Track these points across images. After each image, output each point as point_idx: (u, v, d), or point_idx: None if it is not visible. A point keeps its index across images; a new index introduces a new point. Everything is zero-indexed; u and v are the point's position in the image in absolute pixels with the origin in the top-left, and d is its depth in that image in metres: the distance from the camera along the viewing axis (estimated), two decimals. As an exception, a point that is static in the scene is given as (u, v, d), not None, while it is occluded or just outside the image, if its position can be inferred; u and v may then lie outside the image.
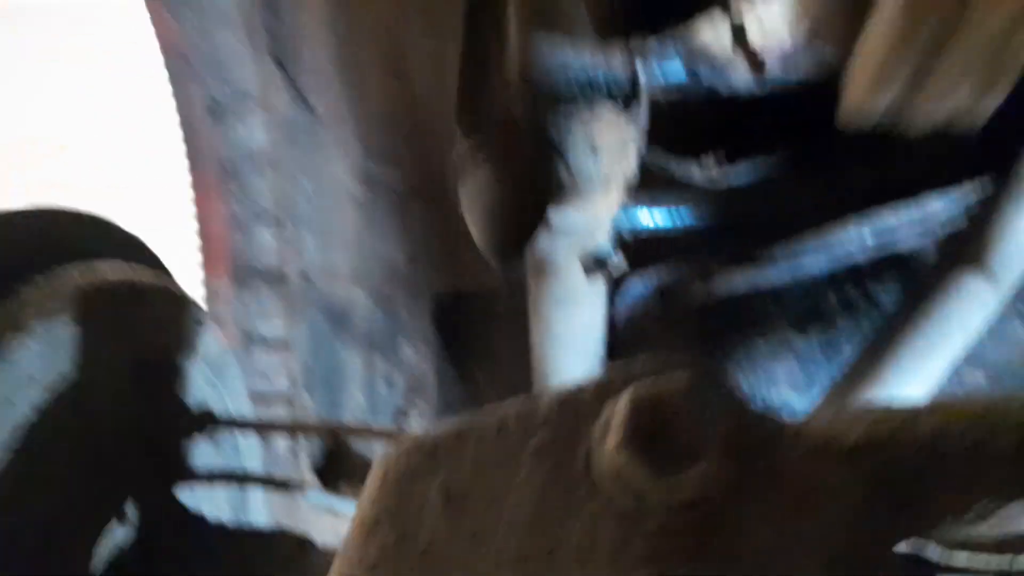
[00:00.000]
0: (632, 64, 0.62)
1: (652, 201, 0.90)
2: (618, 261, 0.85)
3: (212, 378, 0.70)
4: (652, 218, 0.91)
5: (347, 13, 1.18)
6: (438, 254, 1.35)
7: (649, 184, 0.91)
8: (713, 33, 0.69)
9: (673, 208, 0.90)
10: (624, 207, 0.90)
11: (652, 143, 0.91)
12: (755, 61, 0.63)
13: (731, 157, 0.89)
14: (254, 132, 1.25)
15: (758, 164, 0.87)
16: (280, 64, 1.23)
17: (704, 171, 0.87)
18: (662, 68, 0.89)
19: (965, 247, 0.69)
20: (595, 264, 0.83)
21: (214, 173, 1.24)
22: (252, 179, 1.28)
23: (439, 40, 1.16)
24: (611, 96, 0.61)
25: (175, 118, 1.20)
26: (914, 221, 0.85)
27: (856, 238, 0.87)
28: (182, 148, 1.21)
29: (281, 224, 1.32)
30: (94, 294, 0.56)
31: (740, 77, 0.84)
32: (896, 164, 0.87)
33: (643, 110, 0.70)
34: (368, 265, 1.37)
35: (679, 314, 0.96)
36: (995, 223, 0.67)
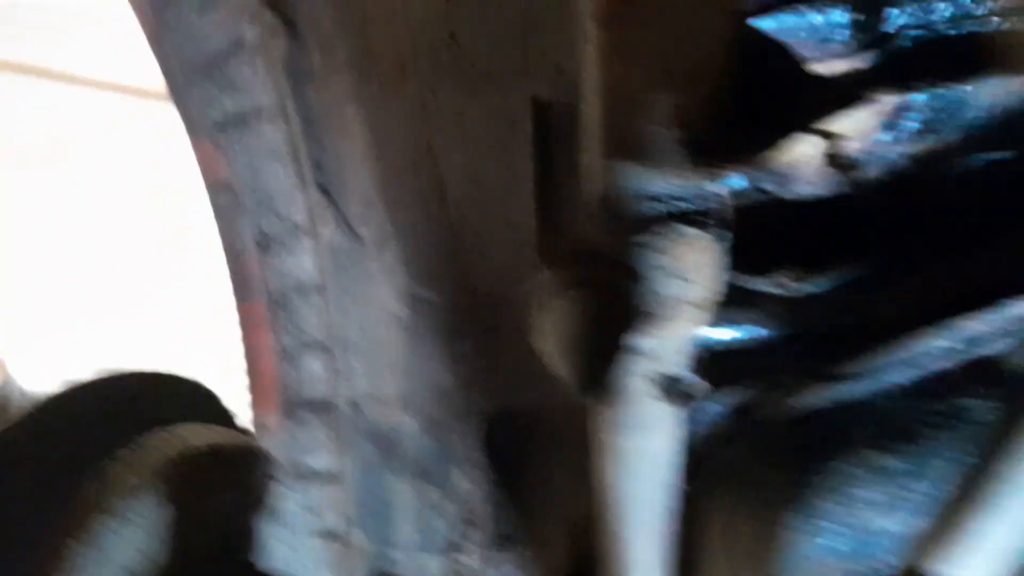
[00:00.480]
0: (719, 190, 0.60)
1: (726, 317, 0.87)
2: (694, 384, 0.81)
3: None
4: (726, 334, 0.87)
5: (388, 138, 1.19)
6: (488, 375, 1.31)
7: (722, 300, 0.88)
8: (800, 150, 0.68)
9: (747, 323, 0.87)
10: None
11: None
12: (845, 166, 0.61)
13: (803, 267, 0.86)
14: (302, 262, 1.25)
15: (832, 273, 0.84)
16: (327, 193, 1.24)
17: (776, 283, 0.84)
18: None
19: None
20: (670, 388, 0.79)
21: (263, 305, 1.23)
22: (301, 309, 1.26)
23: (478, 160, 1.16)
24: (696, 223, 0.59)
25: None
26: (1000, 325, 0.81)
27: (940, 348, 0.83)
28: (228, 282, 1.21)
29: (330, 353, 1.30)
30: (179, 465, 0.53)
31: (804, 183, 0.83)
32: (978, 265, 0.84)
33: (726, 230, 0.68)
34: (417, 389, 1.34)
35: (758, 434, 0.91)
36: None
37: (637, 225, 0.58)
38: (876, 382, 0.86)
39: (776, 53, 0.58)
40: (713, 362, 0.90)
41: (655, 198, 0.57)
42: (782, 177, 0.83)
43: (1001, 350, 0.82)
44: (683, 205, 0.59)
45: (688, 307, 0.65)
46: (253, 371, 1.23)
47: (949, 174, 0.86)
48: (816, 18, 0.72)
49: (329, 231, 1.24)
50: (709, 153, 0.53)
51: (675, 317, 0.66)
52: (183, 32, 1.05)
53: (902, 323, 0.83)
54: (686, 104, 0.50)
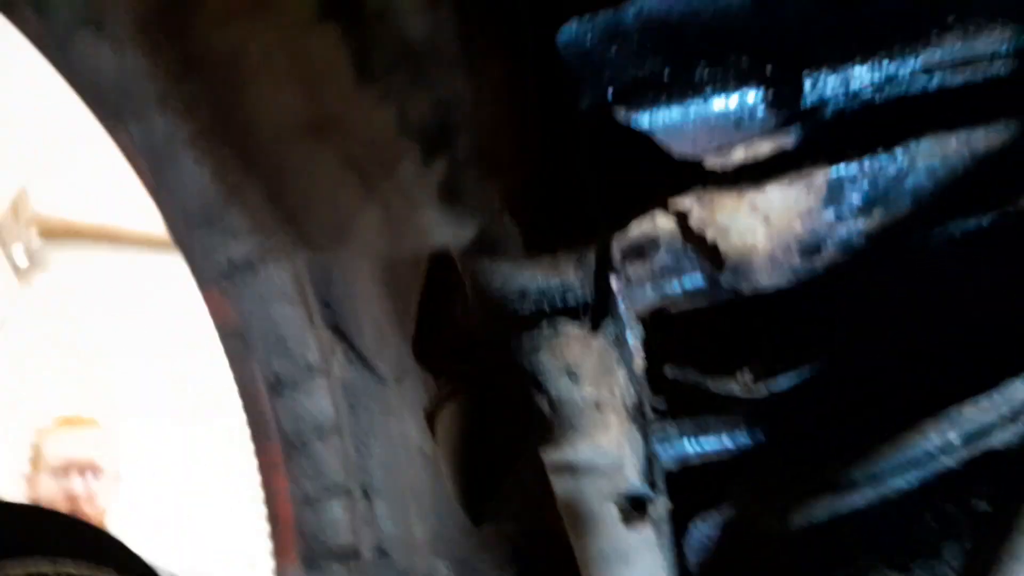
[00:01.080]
0: (594, 278, 0.57)
1: (696, 426, 0.81)
2: (661, 501, 0.75)
3: None
4: (699, 445, 0.81)
5: (398, 271, 1.20)
6: (517, 505, 1.26)
7: (689, 407, 0.82)
8: (652, 225, 0.64)
9: (721, 431, 0.80)
10: (661, 437, 0.81)
11: (685, 361, 0.83)
12: (715, 259, 0.57)
13: (774, 364, 0.79)
14: (319, 402, 1.25)
15: (800, 367, 0.77)
16: (339, 332, 1.25)
17: (743, 382, 0.78)
18: (680, 279, 0.83)
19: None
20: (633, 508, 0.73)
21: (279, 449, 1.23)
22: (319, 452, 1.26)
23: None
24: (571, 315, 0.55)
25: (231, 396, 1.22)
26: (1002, 411, 0.71)
27: (941, 443, 0.73)
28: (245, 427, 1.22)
29: (352, 496, 1.28)
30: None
31: (761, 274, 0.78)
32: (966, 348, 0.75)
33: (625, 325, 0.64)
34: (446, 529, 1.29)
35: (755, 555, 0.82)
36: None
37: (518, 323, 0.55)
38: (877, 489, 0.76)
39: (634, 138, 0.55)
40: (691, 477, 0.83)
41: (526, 293, 0.54)
42: (739, 270, 0.79)
43: (1008, 440, 0.72)
44: (556, 298, 0.55)
45: (596, 410, 0.60)
46: (272, 518, 1.22)
47: (918, 248, 0.79)
48: (726, 100, 0.69)
49: (342, 369, 1.25)
50: (549, 242, 0.50)
51: (587, 423, 0.61)
52: (182, 185, 1.12)
53: (890, 421, 0.75)
54: (518, 197, 0.48)
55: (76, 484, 2.99)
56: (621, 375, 0.60)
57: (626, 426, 0.64)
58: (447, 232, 0.16)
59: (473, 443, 0.57)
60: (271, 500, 1.23)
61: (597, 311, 0.56)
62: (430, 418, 0.60)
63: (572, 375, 0.58)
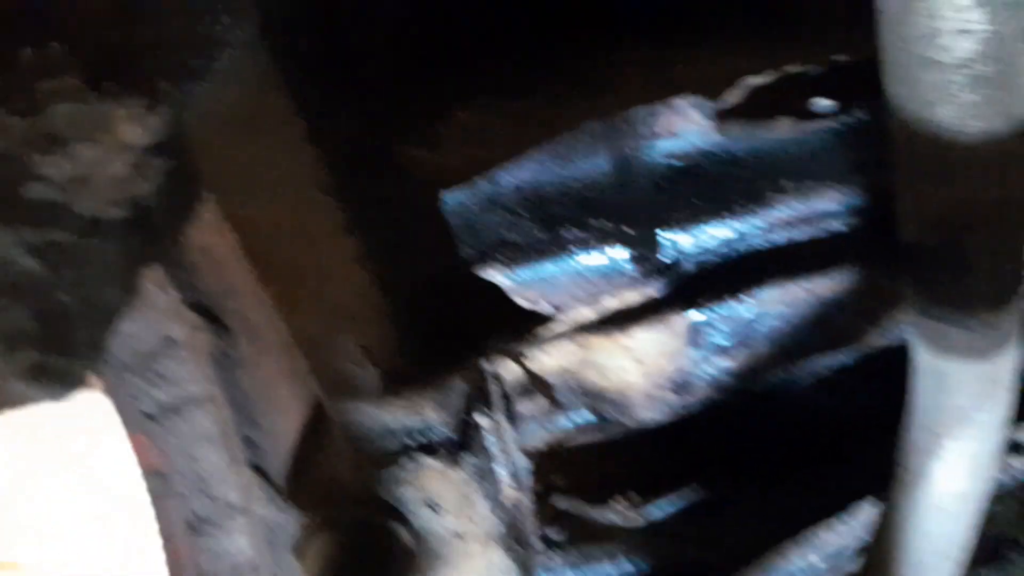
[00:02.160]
0: (457, 417, 0.62)
1: (581, 555, 0.85)
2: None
3: None
4: (583, 574, 0.85)
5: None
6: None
7: (572, 539, 0.86)
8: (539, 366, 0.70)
9: (603, 559, 0.84)
10: (547, 567, 0.85)
11: (572, 492, 0.88)
12: (547, 391, 0.63)
13: (649, 493, 0.85)
14: (237, 542, 1.26)
15: (674, 495, 0.83)
16: (260, 471, 1.28)
17: (621, 511, 0.83)
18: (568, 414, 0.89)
19: (874, 562, 0.61)
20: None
21: (198, 590, 1.23)
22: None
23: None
24: (432, 451, 0.61)
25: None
26: (856, 534, 0.77)
27: (804, 565, 0.78)
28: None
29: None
30: None
31: (641, 409, 0.84)
32: (825, 475, 0.82)
33: (491, 459, 0.69)
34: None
35: None
36: (895, 526, 0.60)
37: (380, 459, 0.60)
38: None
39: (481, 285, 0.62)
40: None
41: (386, 432, 0.59)
42: (620, 405, 0.85)
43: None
44: (415, 435, 0.61)
45: (460, 541, 0.65)
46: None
47: (785, 384, 0.87)
48: (595, 257, 0.78)
49: (264, 508, 1.27)
50: (406, 385, 0.56)
51: (452, 554, 0.65)
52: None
53: (758, 544, 0.80)
54: (374, 343, 0.54)
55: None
56: (482, 506, 0.64)
57: (493, 556, 0.68)
58: (39, 396, 0.21)
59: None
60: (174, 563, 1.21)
61: (457, 447, 0.61)
62: (299, 554, 0.64)
63: (433, 507, 0.62)
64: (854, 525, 0.77)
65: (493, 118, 0.52)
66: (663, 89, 0.56)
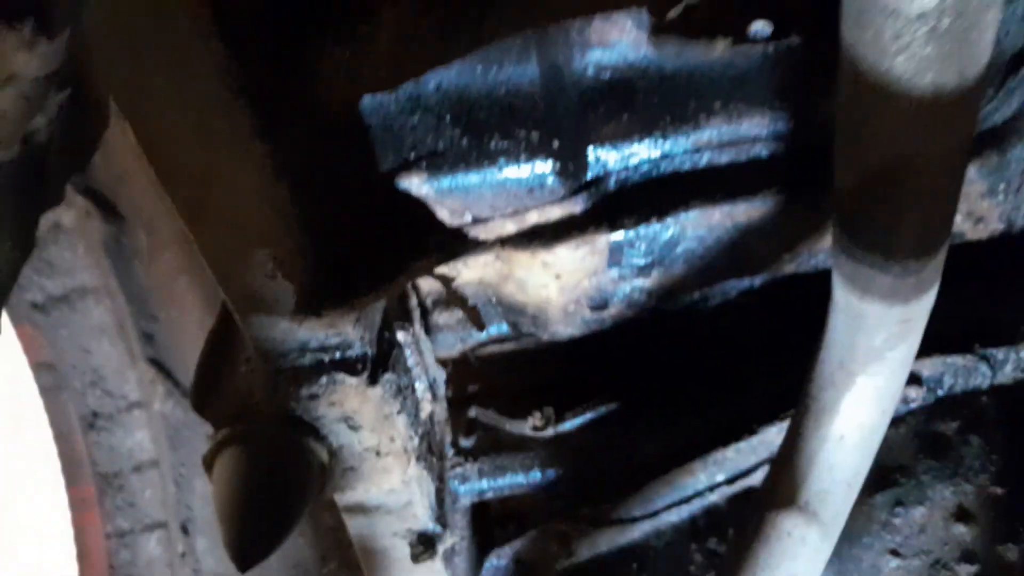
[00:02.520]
0: (376, 333, 0.61)
1: (494, 465, 0.86)
2: (450, 538, 0.79)
3: None
4: (495, 483, 0.86)
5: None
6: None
7: (485, 447, 0.87)
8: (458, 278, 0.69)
9: (516, 470, 0.85)
10: (460, 475, 0.86)
11: (487, 404, 0.89)
12: (476, 319, 0.62)
13: (565, 406, 0.86)
14: (136, 437, 1.23)
15: (586, 410, 0.84)
16: (159, 366, 1.24)
17: (532, 425, 0.83)
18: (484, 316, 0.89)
19: (777, 487, 0.63)
20: (422, 544, 0.76)
21: (92, 487, 1.20)
22: (136, 487, 1.24)
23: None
24: (349, 368, 0.59)
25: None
26: (759, 453, 0.80)
27: (707, 481, 0.81)
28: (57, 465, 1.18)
29: (169, 531, 1.26)
30: None
31: (558, 324, 0.84)
32: (731, 393, 0.84)
33: (412, 375, 0.68)
34: (274, 569, 1.29)
35: (547, 586, 0.88)
36: (800, 455, 0.62)
37: (296, 376, 0.58)
38: (653, 523, 0.83)
39: (404, 203, 0.60)
40: (491, 511, 0.88)
41: (302, 348, 0.58)
42: (537, 319, 0.85)
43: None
44: (335, 353, 0.59)
45: (378, 457, 0.64)
46: (81, 555, 1.19)
47: (696, 304, 0.88)
48: (519, 170, 0.75)
49: (163, 403, 1.24)
50: (317, 300, 0.54)
51: (371, 470, 0.64)
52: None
53: (666, 459, 0.82)
54: (287, 256, 0.52)
55: None
56: (401, 423, 0.63)
57: (411, 469, 0.68)
58: None
59: (247, 493, 0.59)
60: (81, 537, 1.19)
61: (376, 365, 0.60)
62: (207, 465, 0.62)
63: (351, 424, 0.61)
64: (758, 446, 0.79)
65: (422, 19, 0.48)
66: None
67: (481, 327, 0.64)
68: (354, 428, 0.61)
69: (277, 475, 0.59)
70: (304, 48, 0.49)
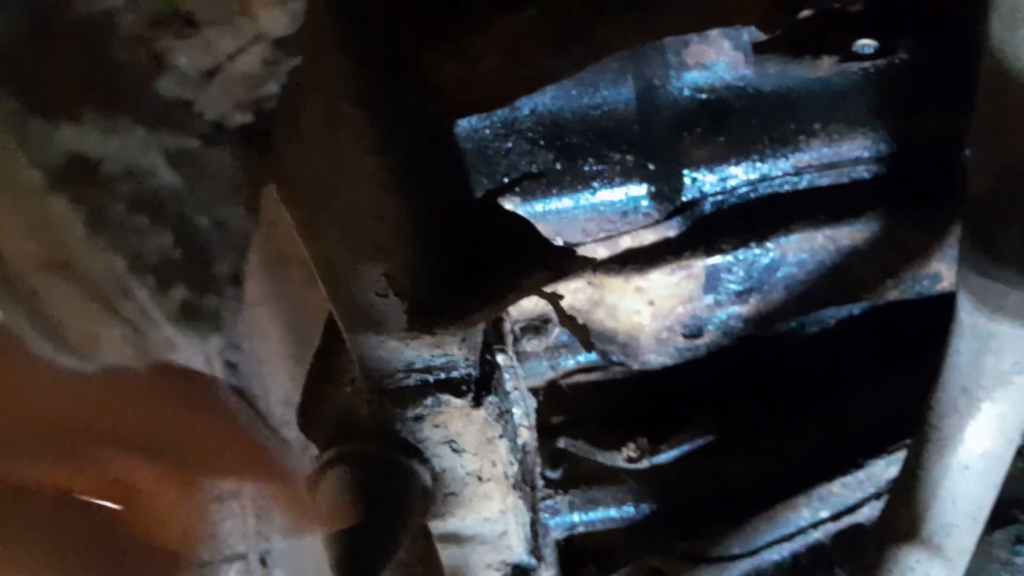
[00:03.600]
0: (479, 355, 0.60)
1: (585, 497, 0.83)
2: (546, 571, 0.77)
3: None
4: (587, 516, 0.83)
5: (306, 337, 1.21)
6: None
7: (572, 479, 0.85)
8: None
9: (609, 503, 0.83)
10: (551, 507, 0.84)
11: (577, 434, 0.87)
12: (586, 340, 0.60)
13: (659, 437, 0.83)
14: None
15: (682, 441, 0.81)
16: (242, 395, 1.25)
17: (628, 455, 0.81)
18: (575, 354, 0.87)
19: (897, 520, 0.60)
20: (517, 579, 0.75)
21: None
22: (216, 519, 1.24)
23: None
24: (454, 390, 0.58)
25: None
26: (867, 489, 0.76)
27: (810, 517, 0.78)
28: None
29: (249, 564, 1.26)
30: None
31: (650, 353, 0.82)
32: (832, 424, 0.81)
33: (510, 400, 0.67)
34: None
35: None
36: (921, 487, 0.59)
37: (401, 397, 0.57)
38: (753, 562, 0.80)
39: (510, 222, 0.59)
40: (575, 547, 0.85)
41: (408, 368, 0.57)
42: (627, 347, 0.83)
43: (872, 516, 0.76)
44: (440, 374, 0.58)
45: (480, 483, 0.63)
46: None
47: (793, 333, 0.85)
48: (613, 194, 0.74)
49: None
50: (428, 318, 0.53)
51: (471, 496, 0.63)
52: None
53: (766, 494, 0.79)
54: (399, 273, 0.51)
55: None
56: (503, 447, 0.62)
57: (509, 497, 0.66)
58: (187, 345, 0.18)
59: (355, 513, 0.58)
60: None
61: (480, 387, 0.59)
62: (312, 485, 0.62)
63: (454, 447, 0.60)
64: (864, 481, 0.76)
65: (534, 35, 0.48)
66: (710, 14, 0.52)
67: (590, 347, 0.62)
68: (457, 451, 0.60)
69: (384, 496, 0.58)
70: (414, 61, 0.49)
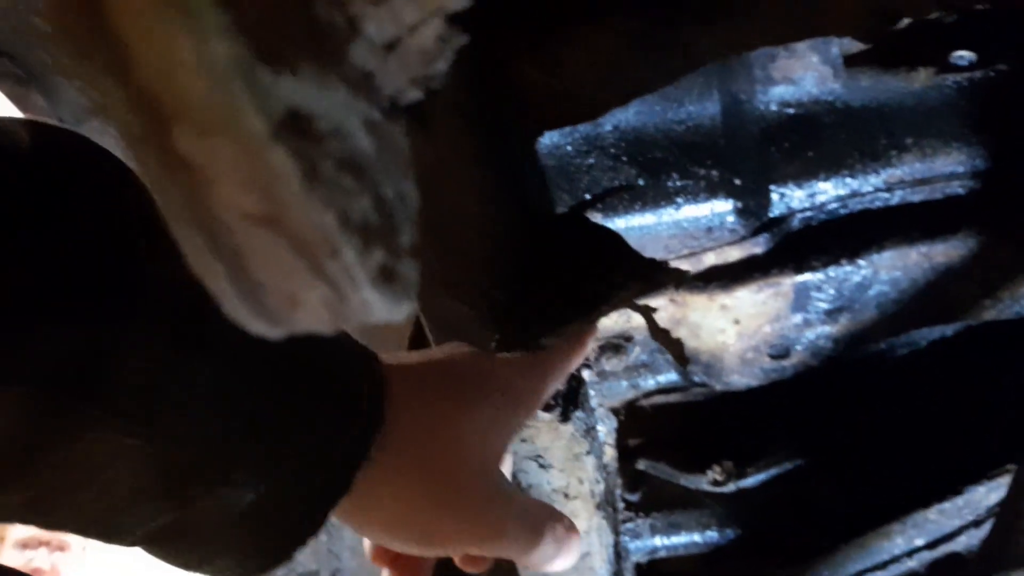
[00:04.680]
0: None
1: (667, 521, 0.82)
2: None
3: None
4: (669, 540, 0.81)
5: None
6: None
7: (652, 502, 0.83)
8: (627, 322, 0.67)
9: (692, 527, 0.81)
10: (632, 530, 0.82)
11: (658, 456, 0.85)
12: (679, 355, 0.59)
13: (744, 460, 0.81)
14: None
15: (770, 465, 0.79)
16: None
17: (712, 480, 0.79)
18: (655, 374, 0.86)
19: (1006, 548, 0.57)
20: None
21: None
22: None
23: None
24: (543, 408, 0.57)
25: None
26: (965, 516, 0.73)
27: (907, 547, 0.74)
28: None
29: (322, 582, 1.26)
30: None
31: (734, 374, 0.80)
32: (927, 449, 0.78)
33: (595, 417, 0.66)
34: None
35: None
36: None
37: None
38: (843, 592, 0.77)
39: (599, 236, 0.58)
40: (657, 571, 0.83)
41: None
42: (711, 367, 0.81)
43: (970, 545, 0.73)
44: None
45: (566, 499, 0.62)
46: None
47: (885, 354, 0.82)
48: (697, 209, 0.73)
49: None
50: (521, 332, 0.52)
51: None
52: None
53: (858, 521, 0.76)
54: (495, 286, 0.51)
55: (41, 557, 2.91)
56: (590, 464, 0.61)
57: (595, 517, 0.65)
58: (383, 309, 0.18)
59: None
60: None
61: (568, 401, 0.58)
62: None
63: (541, 463, 0.59)
64: (963, 508, 0.72)
65: (623, 42, 0.47)
66: (804, 25, 0.51)
67: (684, 361, 0.61)
68: (544, 467, 0.59)
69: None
70: (502, 70, 0.49)
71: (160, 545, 0.42)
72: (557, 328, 0.51)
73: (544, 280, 0.55)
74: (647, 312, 0.55)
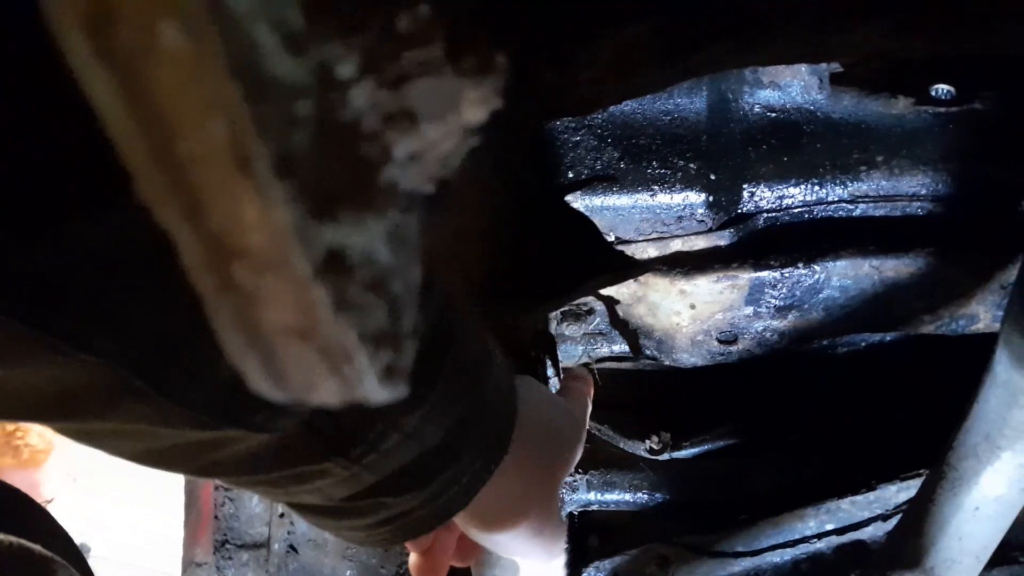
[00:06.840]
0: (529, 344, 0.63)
1: (603, 480, 0.87)
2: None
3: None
4: (603, 497, 0.87)
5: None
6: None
7: (597, 462, 0.88)
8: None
9: (625, 487, 0.87)
10: (569, 484, 0.87)
11: (601, 419, 0.90)
12: (634, 343, 0.63)
13: (682, 433, 0.86)
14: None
15: (704, 440, 0.84)
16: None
17: (649, 447, 0.84)
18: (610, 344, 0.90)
19: (903, 548, 0.63)
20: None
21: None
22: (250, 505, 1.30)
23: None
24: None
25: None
26: (875, 509, 0.79)
27: (816, 528, 0.81)
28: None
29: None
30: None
31: (683, 353, 0.85)
32: (851, 444, 0.83)
33: (546, 380, 0.70)
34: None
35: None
36: (931, 521, 0.62)
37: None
38: (754, 561, 0.84)
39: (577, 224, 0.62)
40: (589, 527, 0.89)
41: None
42: (662, 344, 0.86)
43: (875, 536, 0.80)
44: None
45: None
46: (190, 506, 1.25)
47: (825, 351, 0.88)
48: (671, 198, 0.76)
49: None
50: (494, 309, 0.56)
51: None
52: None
53: (776, 501, 0.82)
54: (473, 263, 0.54)
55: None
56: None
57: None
58: (383, 397, 0.20)
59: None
60: (190, 485, 1.26)
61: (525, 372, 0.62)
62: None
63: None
64: (874, 502, 0.79)
65: (639, 51, 0.49)
66: (809, 51, 0.53)
67: (638, 351, 0.65)
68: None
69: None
70: (529, 70, 0.51)
71: None
72: (527, 310, 0.55)
73: (517, 259, 0.58)
74: (610, 303, 0.58)
